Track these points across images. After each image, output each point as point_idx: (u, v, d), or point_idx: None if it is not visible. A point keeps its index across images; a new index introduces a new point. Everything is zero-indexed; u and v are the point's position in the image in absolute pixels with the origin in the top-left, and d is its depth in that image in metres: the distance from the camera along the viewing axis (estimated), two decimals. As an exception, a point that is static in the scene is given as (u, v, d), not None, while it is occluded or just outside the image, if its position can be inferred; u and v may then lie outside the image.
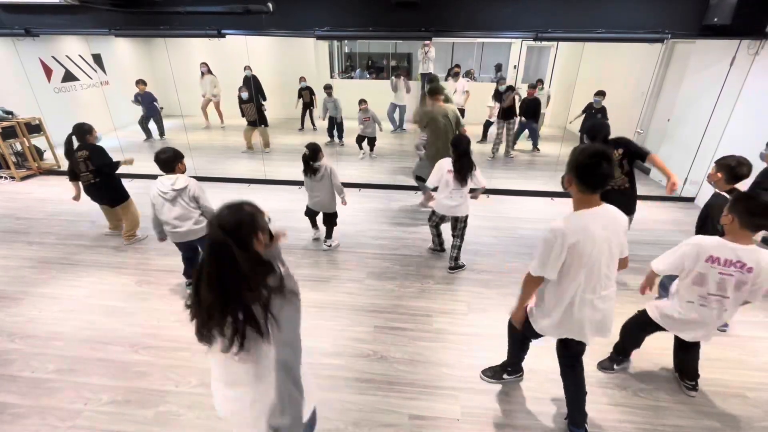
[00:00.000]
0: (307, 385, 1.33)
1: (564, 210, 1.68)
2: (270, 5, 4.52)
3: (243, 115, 6.98)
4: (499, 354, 2.43)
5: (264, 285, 1.17)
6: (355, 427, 2.16)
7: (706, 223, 2.53)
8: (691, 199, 5.28)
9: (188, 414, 2.22)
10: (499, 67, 10.84)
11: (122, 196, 3.97)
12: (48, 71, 6.99)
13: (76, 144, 3.75)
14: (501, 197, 5.38)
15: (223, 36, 4.75)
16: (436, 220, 3.66)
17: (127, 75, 8.15)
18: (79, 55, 7.61)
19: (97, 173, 3.75)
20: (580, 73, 6.42)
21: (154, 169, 3.01)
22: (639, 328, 2.36)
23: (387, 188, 5.59)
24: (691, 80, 5.39)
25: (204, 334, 1.21)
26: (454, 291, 3.35)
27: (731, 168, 2.39)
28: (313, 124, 8.77)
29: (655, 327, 2.25)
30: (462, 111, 7.86)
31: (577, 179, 1.61)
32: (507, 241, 4.20)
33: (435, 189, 3.49)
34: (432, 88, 4.21)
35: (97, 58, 8.11)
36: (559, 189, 5.48)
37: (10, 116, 5.76)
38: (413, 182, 5.11)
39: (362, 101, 6.64)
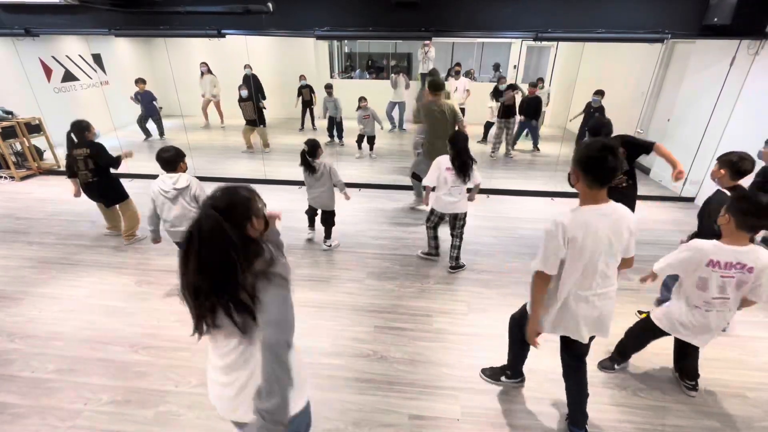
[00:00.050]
0: (300, 375, 1.31)
1: (564, 210, 1.67)
2: (270, 5, 4.52)
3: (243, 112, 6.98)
4: (499, 354, 2.43)
5: (252, 269, 1.15)
6: (355, 427, 2.16)
7: (703, 220, 2.53)
8: (691, 199, 5.28)
9: (188, 414, 2.22)
10: (497, 67, 10.85)
11: (120, 196, 3.97)
12: (48, 71, 6.99)
13: (74, 141, 3.73)
14: (501, 197, 5.38)
15: (223, 36, 4.75)
16: (434, 220, 3.59)
17: (127, 75, 8.15)
18: (79, 55, 7.61)
19: (95, 172, 3.74)
20: (580, 73, 6.43)
21: (154, 169, 3.01)
22: (645, 336, 2.35)
23: (387, 188, 5.59)
24: (691, 80, 5.39)
25: (198, 320, 1.19)
26: (454, 291, 3.35)
27: (733, 163, 2.36)
28: (313, 124, 8.77)
29: (661, 334, 2.25)
30: (462, 110, 7.87)
31: (584, 173, 1.58)
32: (507, 241, 4.20)
33: (433, 189, 3.47)
34: (433, 84, 4.13)
35: (97, 58, 8.11)
36: (559, 189, 5.49)
37: (10, 116, 5.76)
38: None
39: (362, 99, 6.64)
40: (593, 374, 2.48)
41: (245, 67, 7.38)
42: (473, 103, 8.04)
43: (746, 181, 2.57)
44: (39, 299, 3.18)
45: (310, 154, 3.56)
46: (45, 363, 2.56)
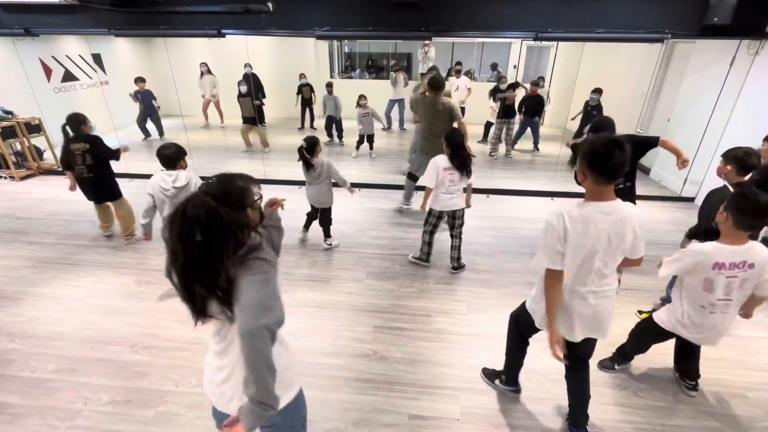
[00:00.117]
0: (289, 366, 1.29)
1: (568, 204, 1.64)
2: (270, 5, 4.51)
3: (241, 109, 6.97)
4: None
5: (234, 256, 1.12)
6: (355, 427, 2.16)
7: (703, 214, 2.52)
8: (691, 199, 5.28)
9: (188, 414, 2.22)
10: (494, 66, 10.87)
11: (114, 193, 3.93)
12: (48, 71, 6.99)
13: (70, 134, 3.69)
14: (501, 197, 5.38)
15: (222, 36, 4.75)
16: (433, 222, 3.51)
17: (126, 75, 8.14)
18: (79, 55, 7.61)
19: (91, 168, 3.70)
20: (580, 73, 6.42)
21: (154, 168, 3.02)
22: (647, 336, 2.35)
23: (387, 188, 5.59)
24: (691, 80, 5.39)
25: (193, 308, 1.17)
26: (453, 291, 3.35)
27: (739, 158, 2.33)
28: (312, 124, 8.77)
29: (666, 336, 2.24)
30: (462, 109, 7.87)
31: (590, 169, 1.54)
32: (507, 241, 4.20)
33: (421, 189, 3.39)
34: (433, 82, 4.08)
35: (97, 58, 8.11)
36: (559, 189, 5.49)
37: (10, 116, 5.76)
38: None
39: (362, 97, 6.64)
40: (594, 374, 2.47)
41: (245, 66, 7.38)
42: (473, 102, 8.05)
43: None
44: (39, 299, 3.18)
45: (308, 151, 3.56)
46: (45, 363, 2.55)
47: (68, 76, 7.41)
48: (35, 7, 4.86)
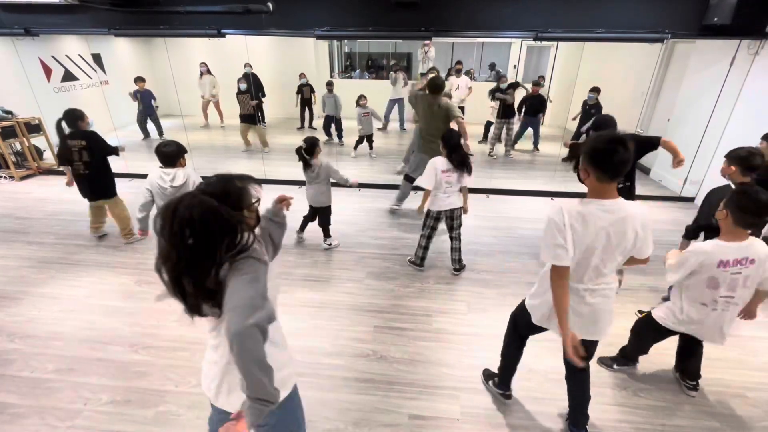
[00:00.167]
0: (285, 363, 1.29)
1: (571, 200, 1.64)
2: (270, 5, 4.51)
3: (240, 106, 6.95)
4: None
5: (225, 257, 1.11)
6: (355, 427, 2.16)
7: (703, 210, 2.52)
8: (691, 199, 5.28)
9: (188, 414, 2.22)
10: (492, 66, 10.88)
11: (110, 191, 3.90)
12: (48, 71, 6.98)
13: (67, 131, 3.65)
14: (501, 197, 5.37)
15: (222, 36, 4.75)
16: (431, 224, 3.48)
17: (126, 75, 8.14)
18: (79, 55, 7.60)
19: (88, 165, 3.66)
20: (580, 73, 6.42)
21: (154, 168, 3.01)
22: (647, 334, 2.35)
23: (387, 188, 5.59)
24: (691, 80, 5.39)
25: (185, 304, 1.16)
26: (453, 291, 3.35)
27: (743, 159, 2.32)
28: (311, 123, 8.75)
29: (666, 333, 2.24)
30: (462, 109, 7.87)
31: (593, 166, 1.53)
32: (507, 241, 4.20)
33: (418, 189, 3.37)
34: (433, 84, 4.08)
35: (97, 58, 8.10)
36: (559, 189, 5.49)
37: (10, 116, 5.76)
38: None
39: (362, 97, 6.64)
40: (594, 374, 2.48)
41: (245, 66, 7.38)
42: (473, 102, 8.04)
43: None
44: (38, 299, 3.18)
45: (308, 152, 3.56)
46: (44, 363, 2.55)
47: (68, 76, 7.41)
48: (35, 7, 4.86)
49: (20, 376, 2.45)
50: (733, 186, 2.37)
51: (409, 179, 4.61)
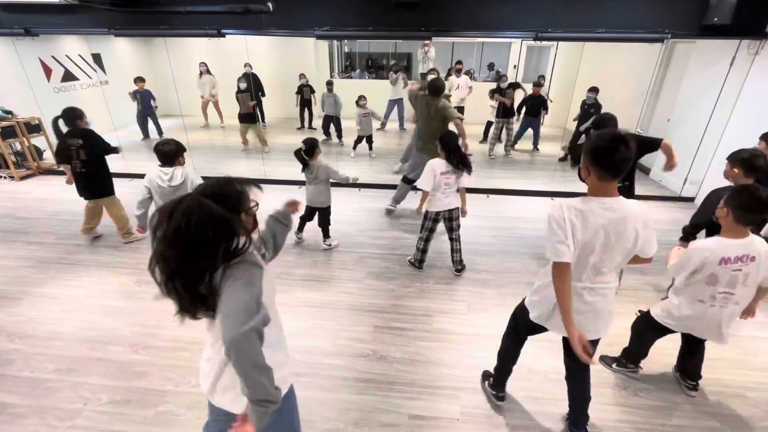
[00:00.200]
0: (281, 363, 1.30)
1: (572, 198, 1.64)
2: (270, 5, 4.51)
3: (239, 105, 6.94)
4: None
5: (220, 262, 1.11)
6: (355, 427, 2.16)
7: (704, 208, 2.52)
8: (691, 199, 5.28)
9: (188, 414, 2.22)
10: (491, 66, 10.87)
11: (107, 190, 3.88)
12: (47, 71, 6.99)
13: (65, 129, 3.62)
14: (501, 197, 5.37)
15: (222, 36, 4.74)
16: (429, 226, 3.47)
17: (126, 75, 8.14)
18: (79, 55, 7.60)
19: (85, 163, 3.64)
20: (580, 73, 6.42)
21: (152, 167, 3.01)
22: (648, 334, 2.34)
23: (387, 188, 5.59)
24: (691, 80, 5.39)
25: (179, 304, 1.16)
26: (453, 291, 3.35)
27: (746, 160, 2.32)
28: (311, 124, 8.75)
29: (665, 331, 2.24)
30: (462, 108, 7.87)
31: (594, 164, 1.52)
32: (507, 241, 4.20)
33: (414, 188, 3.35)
34: (433, 86, 4.07)
35: (97, 58, 8.11)
36: (559, 189, 5.49)
37: (10, 116, 5.76)
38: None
39: (362, 97, 6.64)
40: (594, 374, 2.48)
41: (245, 66, 7.38)
42: (473, 103, 8.05)
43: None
44: (38, 299, 3.18)
45: (307, 153, 3.56)
46: (44, 363, 2.55)
47: (68, 76, 7.41)
48: (35, 7, 4.86)
49: (20, 376, 2.45)
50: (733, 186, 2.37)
51: (407, 181, 4.60)
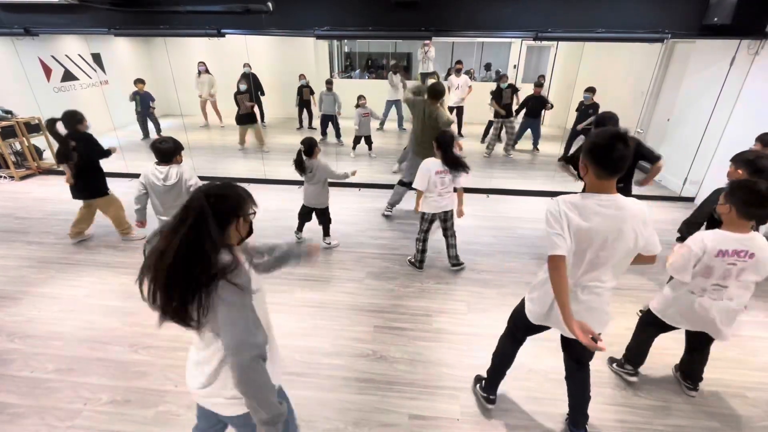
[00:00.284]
0: (270, 360, 1.30)
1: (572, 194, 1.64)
2: (270, 5, 4.51)
3: (237, 106, 6.92)
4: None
5: (213, 270, 1.12)
6: (355, 427, 2.16)
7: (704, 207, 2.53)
8: (690, 199, 5.28)
9: (188, 414, 2.22)
10: (488, 67, 10.86)
11: (100, 191, 3.86)
12: (47, 71, 6.98)
13: (63, 132, 3.61)
14: (501, 197, 5.38)
15: (222, 35, 4.74)
16: (425, 227, 3.49)
17: (126, 74, 8.14)
18: (79, 55, 7.60)
19: (79, 165, 3.63)
20: (580, 73, 6.42)
21: (150, 164, 3.01)
22: (651, 330, 2.34)
23: (387, 188, 5.58)
24: (691, 80, 5.39)
25: (154, 301, 1.17)
26: (453, 291, 3.35)
27: (751, 162, 2.32)
28: (310, 124, 8.75)
29: (661, 329, 2.24)
30: (461, 108, 7.86)
31: (592, 162, 1.52)
32: (506, 241, 4.19)
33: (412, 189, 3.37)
34: (433, 90, 4.07)
35: (97, 58, 8.10)
36: (559, 189, 5.49)
37: (10, 116, 5.76)
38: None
39: (361, 97, 6.64)
40: (594, 374, 2.48)
41: (244, 66, 7.38)
42: (473, 103, 8.04)
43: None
44: (38, 299, 3.18)
45: (306, 153, 3.56)
46: (44, 363, 2.55)
47: (68, 76, 7.41)
48: (35, 7, 4.85)
49: (20, 376, 2.45)
50: None
51: (402, 184, 4.60)
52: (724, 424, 2.20)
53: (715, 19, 4.03)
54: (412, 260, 3.68)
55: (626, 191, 3.15)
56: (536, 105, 6.94)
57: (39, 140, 6.13)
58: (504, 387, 2.39)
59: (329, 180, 3.75)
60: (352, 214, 4.75)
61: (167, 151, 2.90)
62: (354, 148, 6.97)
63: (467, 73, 8.94)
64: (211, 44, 6.37)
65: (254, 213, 1.28)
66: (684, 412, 2.27)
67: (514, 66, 9.70)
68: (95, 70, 7.98)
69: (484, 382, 2.28)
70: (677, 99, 5.65)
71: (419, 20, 4.51)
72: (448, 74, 8.85)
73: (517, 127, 7.27)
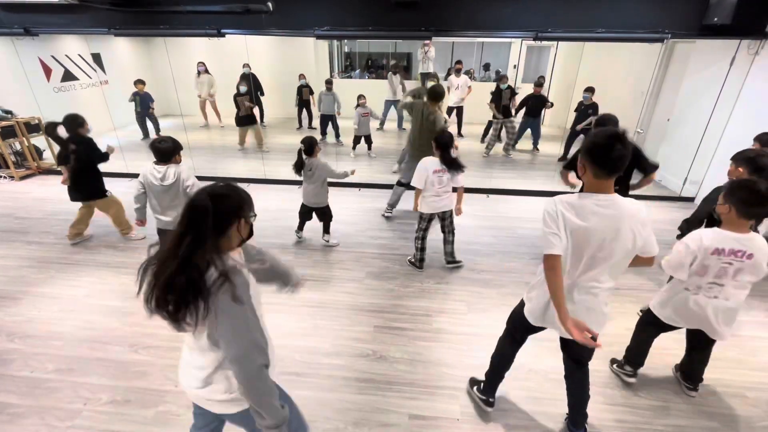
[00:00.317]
0: (273, 369, 1.33)
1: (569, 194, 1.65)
2: (270, 5, 4.51)
3: (237, 107, 6.93)
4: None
5: (208, 271, 1.14)
6: (355, 427, 2.16)
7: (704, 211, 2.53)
8: (690, 199, 5.28)
9: (188, 414, 2.21)
10: (486, 67, 10.86)
11: (97, 193, 3.87)
12: (47, 71, 6.98)
13: (64, 135, 3.63)
14: (500, 197, 5.38)
15: (222, 35, 4.74)
16: (424, 226, 3.50)
17: (126, 74, 8.15)
18: (79, 55, 7.60)
19: (77, 168, 3.64)
20: (580, 73, 6.42)
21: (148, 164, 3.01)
22: (648, 329, 2.34)
23: (387, 188, 5.58)
24: (691, 80, 5.39)
25: (149, 299, 1.20)
26: (453, 291, 3.35)
27: (751, 159, 2.32)
28: (310, 124, 8.75)
29: (661, 329, 2.24)
30: (461, 108, 7.86)
31: (591, 162, 1.52)
32: (506, 241, 4.20)
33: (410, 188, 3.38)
34: (433, 92, 4.07)
35: (97, 58, 8.10)
36: (559, 189, 5.48)
37: (10, 116, 5.76)
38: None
39: (361, 96, 6.64)
40: (594, 374, 2.48)
41: (244, 66, 7.37)
42: (473, 103, 8.04)
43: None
44: (38, 299, 3.18)
45: (307, 151, 3.57)
46: (44, 363, 2.55)
47: (68, 76, 7.41)
48: (35, 7, 4.85)
49: (20, 376, 2.45)
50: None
51: (401, 185, 4.60)
52: (724, 424, 2.20)
53: (715, 19, 4.03)
54: (412, 260, 3.68)
55: (620, 192, 3.16)
56: (536, 104, 6.94)
57: (39, 140, 6.13)
58: (504, 387, 2.39)
59: (329, 179, 3.75)
60: (352, 214, 4.75)
61: (166, 151, 2.90)
62: (354, 148, 6.96)
63: (467, 73, 8.95)
64: (211, 44, 6.37)
65: (254, 216, 1.29)
66: (684, 412, 2.27)
67: (514, 66, 9.70)
68: (95, 70, 7.98)
69: (482, 384, 2.27)
70: (677, 99, 5.65)
71: (419, 20, 4.51)
72: (448, 74, 8.86)
73: (517, 126, 7.26)
